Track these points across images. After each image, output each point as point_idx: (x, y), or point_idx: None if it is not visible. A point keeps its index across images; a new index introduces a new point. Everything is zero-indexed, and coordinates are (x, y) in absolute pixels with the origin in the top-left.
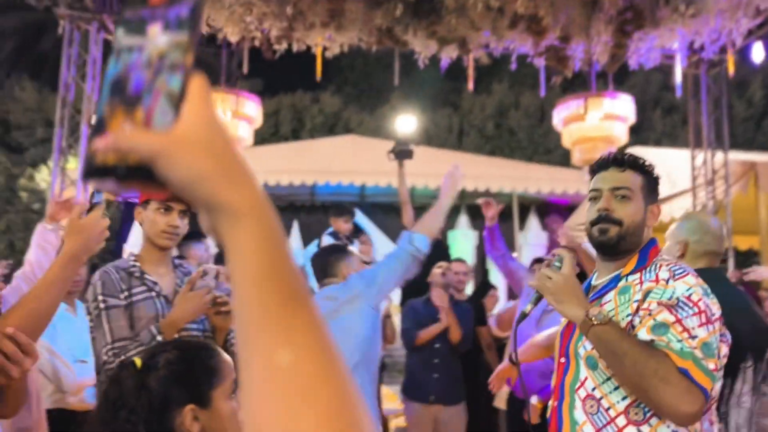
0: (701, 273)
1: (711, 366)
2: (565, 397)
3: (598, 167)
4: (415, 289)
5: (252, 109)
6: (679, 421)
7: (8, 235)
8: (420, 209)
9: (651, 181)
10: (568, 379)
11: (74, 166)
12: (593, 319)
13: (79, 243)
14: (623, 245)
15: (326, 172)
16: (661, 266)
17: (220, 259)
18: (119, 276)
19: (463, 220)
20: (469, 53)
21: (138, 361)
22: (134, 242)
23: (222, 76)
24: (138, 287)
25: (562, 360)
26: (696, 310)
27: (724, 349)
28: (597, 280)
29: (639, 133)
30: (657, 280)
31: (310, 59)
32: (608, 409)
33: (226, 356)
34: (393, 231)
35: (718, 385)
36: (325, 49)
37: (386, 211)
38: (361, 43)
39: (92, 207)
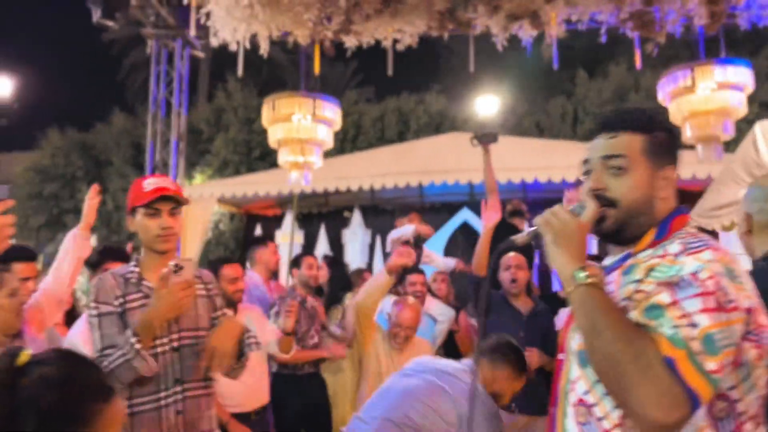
0: None
1: (710, 366)
2: (559, 402)
3: (590, 133)
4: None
5: (331, 111)
6: (648, 430)
7: None
8: (532, 205)
9: (658, 140)
10: (562, 379)
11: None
12: (584, 276)
13: None
14: (626, 232)
15: (432, 172)
16: (677, 239)
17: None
18: (115, 282)
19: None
20: (542, 27)
21: (26, 355)
22: None
23: (301, 80)
24: (134, 294)
25: (561, 356)
26: (700, 290)
27: (751, 352)
28: (607, 261)
29: None
30: (665, 256)
31: (416, 61)
32: (601, 419)
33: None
34: None
35: (750, 396)
36: (395, 41)
37: None
38: (431, 31)
39: None
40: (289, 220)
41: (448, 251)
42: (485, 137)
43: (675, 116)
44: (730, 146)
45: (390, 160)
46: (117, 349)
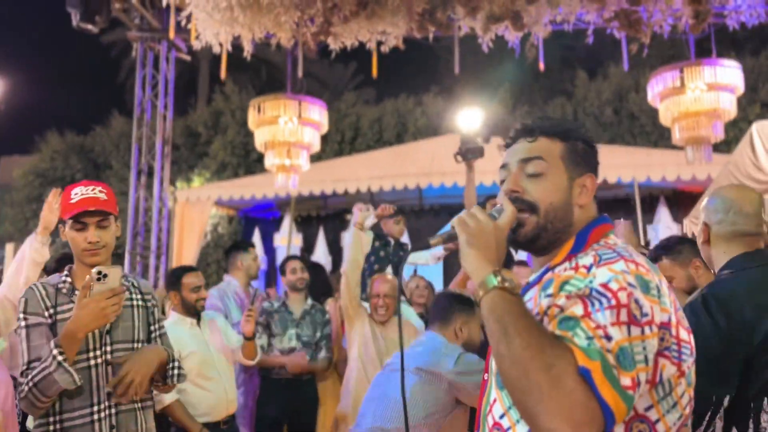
0: (739, 260)
1: (625, 381)
2: (481, 426)
3: (508, 141)
4: None
5: (317, 114)
6: None
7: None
8: None
9: (575, 148)
10: (483, 401)
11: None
12: (497, 280)
13: None
14: (543, 239)
15: (430, 174)
16: (592, 251)
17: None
18: (45, 293)
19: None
20: (525, 28)
21: None
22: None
23: (287, 82)
24: (65, 305)
25: (486, 376)
26: (612, 302)
27: (670, 369)
28: (531, 276)
29: None
30: (577, 268)
31: (415, 63)
32: None
33: None
34: None
35: (671, 416)
36: (380, 43)
37: None
38: (412, 33)
39: None
40: (287, 223)
41: (448, 254)
42: (470, 152)
43: (664, 117)
44: (731, 147)
45: (389, 162)
46: (39, 362)
